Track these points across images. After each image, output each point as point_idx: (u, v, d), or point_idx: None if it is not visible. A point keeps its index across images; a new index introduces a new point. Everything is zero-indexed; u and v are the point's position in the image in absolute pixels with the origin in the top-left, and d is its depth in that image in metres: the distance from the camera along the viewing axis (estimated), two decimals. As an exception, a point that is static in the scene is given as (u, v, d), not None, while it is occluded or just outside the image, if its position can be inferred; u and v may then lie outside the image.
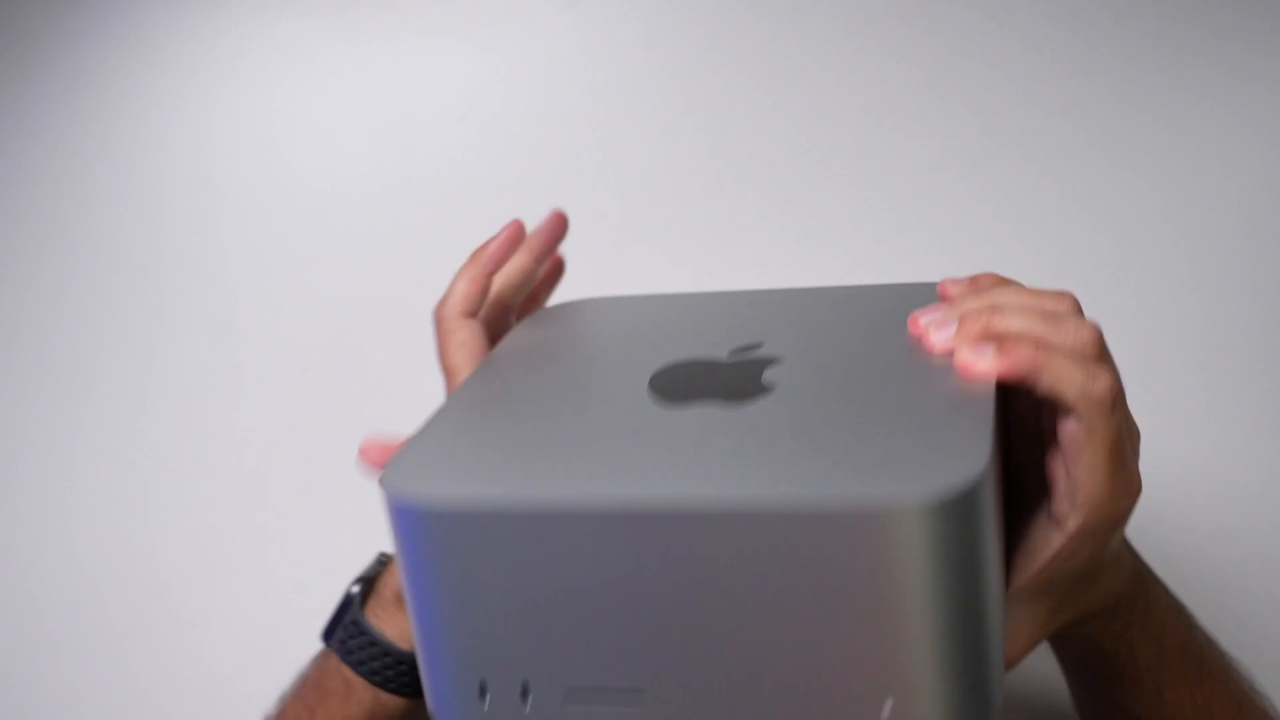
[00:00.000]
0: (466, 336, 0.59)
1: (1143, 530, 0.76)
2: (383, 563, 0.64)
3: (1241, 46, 0.76)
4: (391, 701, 0.60)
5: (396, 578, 0.60)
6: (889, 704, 0.44)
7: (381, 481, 0.47)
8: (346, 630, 0.60)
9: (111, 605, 0.77)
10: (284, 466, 0.77)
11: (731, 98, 0.77)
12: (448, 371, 0.60)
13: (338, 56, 0.78)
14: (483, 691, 0.47)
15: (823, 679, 0.44)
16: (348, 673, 0.60)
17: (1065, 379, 0.46)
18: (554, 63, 0.77)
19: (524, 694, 0.47)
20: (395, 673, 0.60)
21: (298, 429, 0.77)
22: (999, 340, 0.47)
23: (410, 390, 0.73)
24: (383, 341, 0.76)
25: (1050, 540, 0.49)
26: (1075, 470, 0.48)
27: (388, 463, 0.48)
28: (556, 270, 0.64)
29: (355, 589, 0.62)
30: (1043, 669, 0.74)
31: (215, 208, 0.78)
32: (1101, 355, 0.48)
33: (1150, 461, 0.75)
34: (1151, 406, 0.75)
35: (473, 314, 0.60)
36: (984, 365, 0.47)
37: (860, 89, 0.77)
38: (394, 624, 0.60)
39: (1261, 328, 0.75)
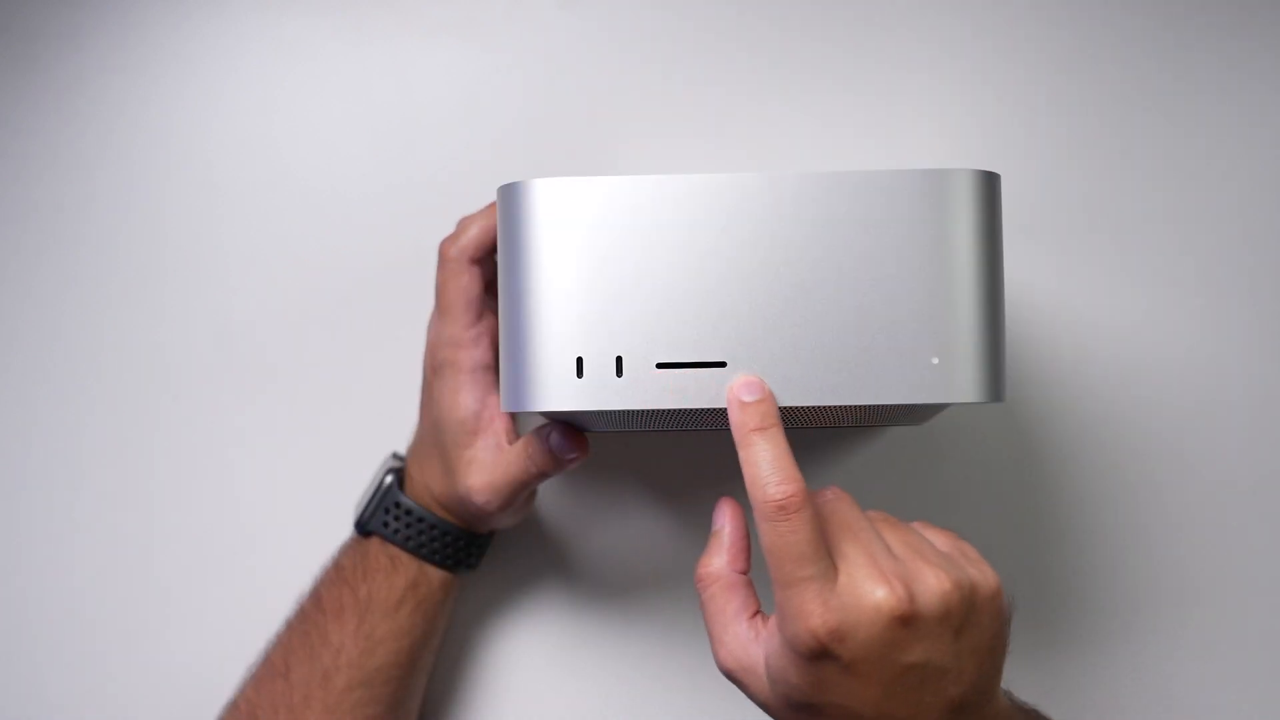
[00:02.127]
0: (468, 280, 0.65)
1: (1143, 530, 0.76)
2: (399, 458, 0.72)
3: (1242, 46, 0.76)
4: (433, 571, 0.69)
5: (417, 469, 0.69)
6: (935, 360, 0.54)
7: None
8: (389, 513, 0.69)
9: (111, 605, 0.77)
10: (284, 466, 0.77)
11: (733, 98, 0.77)
12: (443, 308, 0.66)
13: (338, 56, 0.78)
14: (579, 367, 0.54)
15: (883, 340, 0.54)
16: (392, 550, 0.68)
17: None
18: (554, 63, 0.77)
19: (618, 368, 0.54)
20: (441, 544, 0.68)
21: (298, 428, 0.77)
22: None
23: (411, 390, 0.73)
24: (383, 341, 0.76)
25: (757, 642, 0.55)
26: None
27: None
28: None
29: (389, 479, 0.69)
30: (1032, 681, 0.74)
31: (215, 207, 0.78)
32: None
33: (1151, 461, 0.75)
34: (1152, 406, 0.75)
35: (477, 260, 0.65)
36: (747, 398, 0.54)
37: (863, 110, 0.77)
38: (425, 505, 0.68)
39: (1262, 328, 0.75)
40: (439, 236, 0.67)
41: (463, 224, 0.66)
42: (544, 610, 0.77)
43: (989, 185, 0.56)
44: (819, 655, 0.51)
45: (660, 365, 0.55)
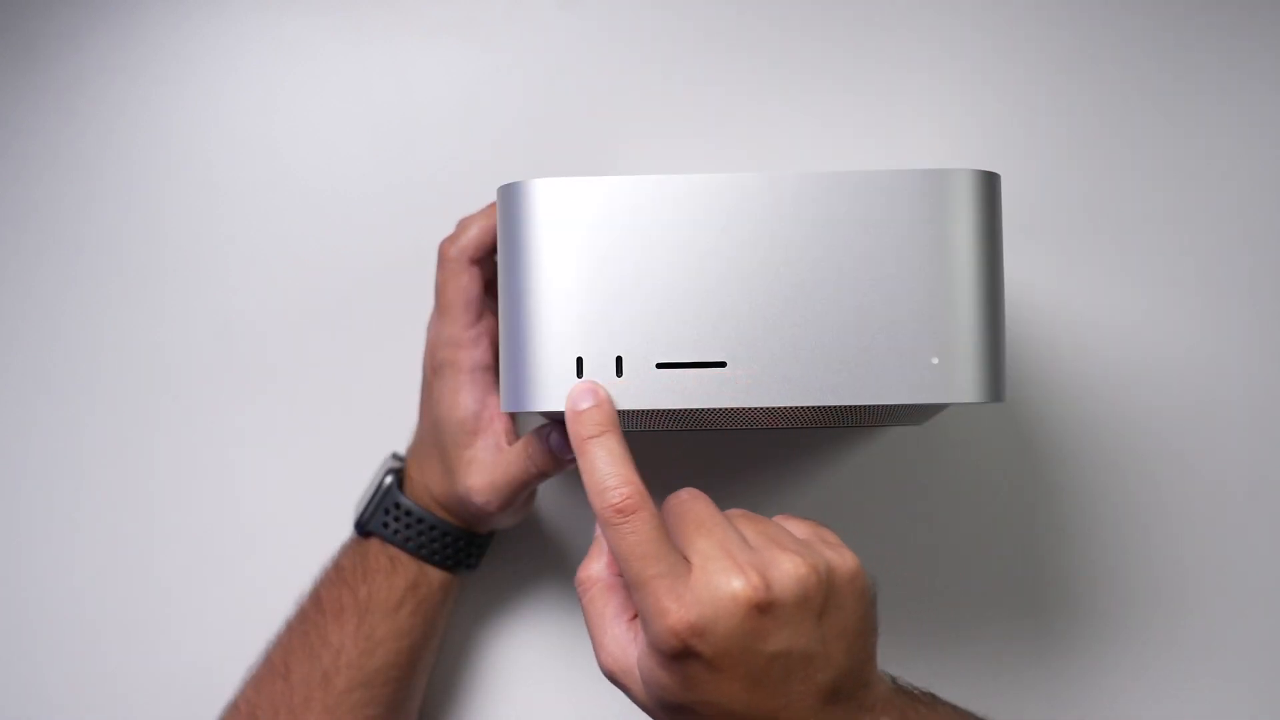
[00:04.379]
0: (468, 280, 0.65)
1: (1143, 530, 0.76)
2: (399, 458, 0.72)
3: (1242, 46, 0.76)
4: (433, 572, 0.69)
5: (417, 470, 0.69)
6: (935, 360, 0.54)
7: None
8: (389, 514, 0.69)
9: (111, 605, 0.77)
10: (284, 466, 0.77)
11: (733, 98, 0.77)
12: (443, 308, 0.66)
13: (338, 56, 0.78)
14: (579, 367, 0.55)
15: (883, 341, 0.54)
16: (392, 550, 0.69)
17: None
18: (554, 63, 0.77)
19: (618, 368, 0.54)
20: (441, 544, 0.68)
21: (298, 428, 0.77)
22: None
23: (411, 390, 0.73)
24: (383, 341, 0.76)
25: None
26: None
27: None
28: None
29: (389, 479, 0.69)
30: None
31: (215, 207, 0.78)
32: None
33: (1151, 461, 0.75)
34: (1151, 405, 0.75)
35: (477, 261, 0.65)
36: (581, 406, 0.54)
37: (863, 110, 0.77)
38: (425, 505, 0.68)
39: (1262, 328, 0.75)
40: (439, 236, 0.67)
41: (462, 224, 0.66)
42: (544, 610, 0.77)
43: (989, 185, 0.56)
44: (681, 654, 0.50)
45: (660, 365, 0.55)
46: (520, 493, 0.65)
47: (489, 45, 0.77)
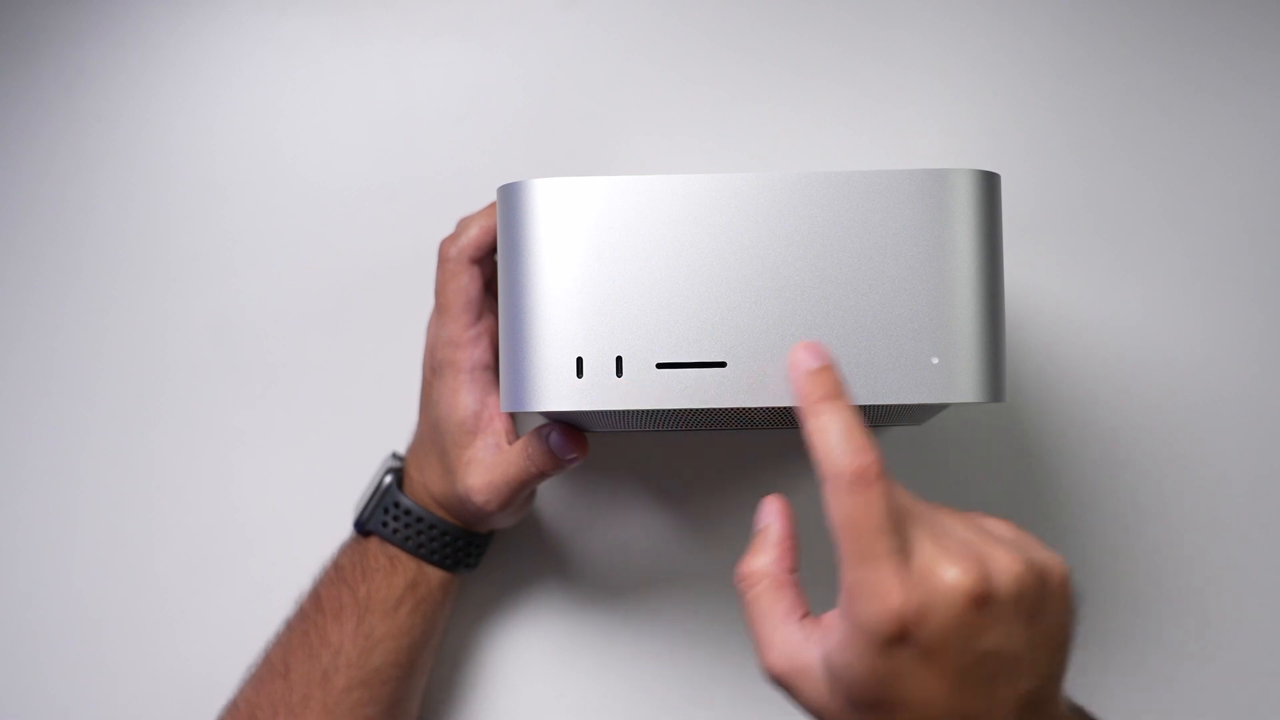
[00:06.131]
0: (467, 281, 0.65)
1: (1143, 530, 0.76)
2: (398, 458, 0.72)
3: (1242, 46, 0.76)
4: (432, 571, 0.69)
5: (416, 469, 0.69)
6: (935, 360, 0.54)
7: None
8: (389, 513, 0.69)
9: (111, 605, 0.77)
10: (284, 466, 0.77)
11: (733, 98, 0.77)
12: (442, 308, 0.66)
13: (339, 57, 0.78)
14: (579, 367, 0.54)
15: (883, 341, 0.54)
16: (391, 550, 0.69)
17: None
18: (554, 63, 0.77)
19: (618, 368, 0.54)
20: (440, 544, 0.69)
21: (298, 428, 0.77)
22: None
23: (411, 390, 0.73)
24: (383, 341, 0.76)
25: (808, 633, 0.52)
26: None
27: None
28: None
29: (389, 479, 0.69)
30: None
31: (217, 208, 0.78)
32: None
33: (1151, 460, 0.75)
34: (1152, 405, 0.75)
35: (477, 261, 0.65)
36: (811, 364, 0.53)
37: (863, 110, 0.77)
38: (424, 505, 0.68)
39: (1262, 327, 0.75)
40: (439, 236, 0.67)
41: (462, 224, 0.66)
42: (544, 610, 0.77)
43: (989, 185, 0.56)
44: (896, 640, 0.47)
45: (660, 365, 0.55)
46: (520, 493, 0.65)
47: (489, 45, 0.77)
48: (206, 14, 0.78)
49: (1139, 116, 0.76)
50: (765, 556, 0.54)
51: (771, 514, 0.55)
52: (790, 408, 0.55)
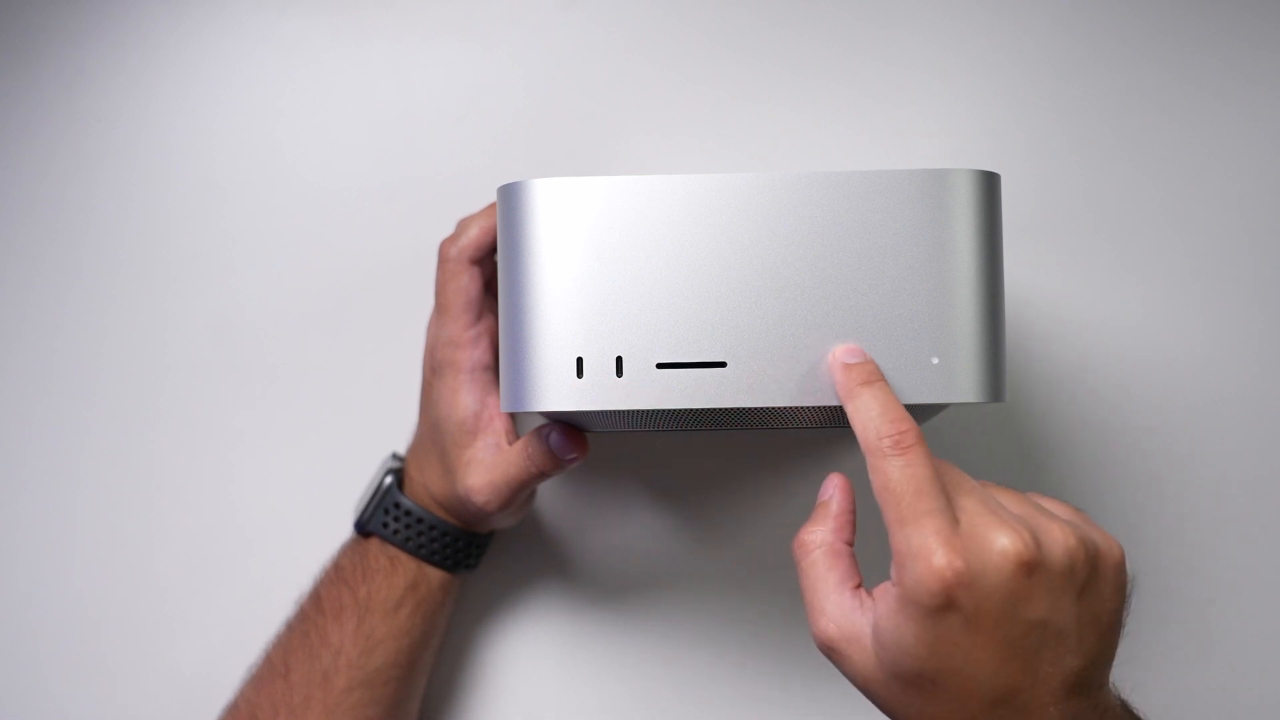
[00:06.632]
0: (467, 281, 0.65)
1: (1144, 530, 0.76)
2: (398, 458, 0.72)
3: (1242, 46, 0.76)
4: (432, 572, 0.69)
5: (416, 470, 0.69)
6: (935, 360, 0.54)
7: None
8: (389, 514, 0.69)
9: (111, 605, 0.77)
10: (284, 466, 0.77)
11: (733, 98, 0.77)
12: (442, 308, 0.66)
13: (339, 57, 0.78)
14: (579, 367, 0.55)
15: (883, 341, 0.54)
16: (392, 550, 0.69)
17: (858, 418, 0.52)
18: (554, 63, 0.77)
19: (618, 368, 0.54)
20: (441, 544, 0.69)
21: (298, 428, 0.77)
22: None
23: (411, 390, 0.73)
24: (383, 341, 0.76)
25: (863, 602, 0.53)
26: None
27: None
28: None
29: (389, 479, 0.69)
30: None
31: (217, 208, 0.78)
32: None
33: (1151, 460, 0.75)
34: (1152, 405, 0.75)
35: (477, 261, 0.65)
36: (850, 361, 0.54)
37: (863, 110, 0.77)
38: (425, 505, 0.68)
39: (1262, 327, 0.75)
40: (439, 236, 0.67)
41: (462, 224, 0.66)
42: (544, 610, 0.77)
43: (989, 185, 0.56)
44: (942, 606, 0.48)
45: (660, 365, 0.55)
46: (520, 493, 0.65)
47: (489, 45, 0.77)
48: (206, 14, 0.78)
49: (1139, 116, 0.76)
50: (824, 527, 0.55)
51: (833, 488, 0.56)
52: (791, 408, 0.55)
